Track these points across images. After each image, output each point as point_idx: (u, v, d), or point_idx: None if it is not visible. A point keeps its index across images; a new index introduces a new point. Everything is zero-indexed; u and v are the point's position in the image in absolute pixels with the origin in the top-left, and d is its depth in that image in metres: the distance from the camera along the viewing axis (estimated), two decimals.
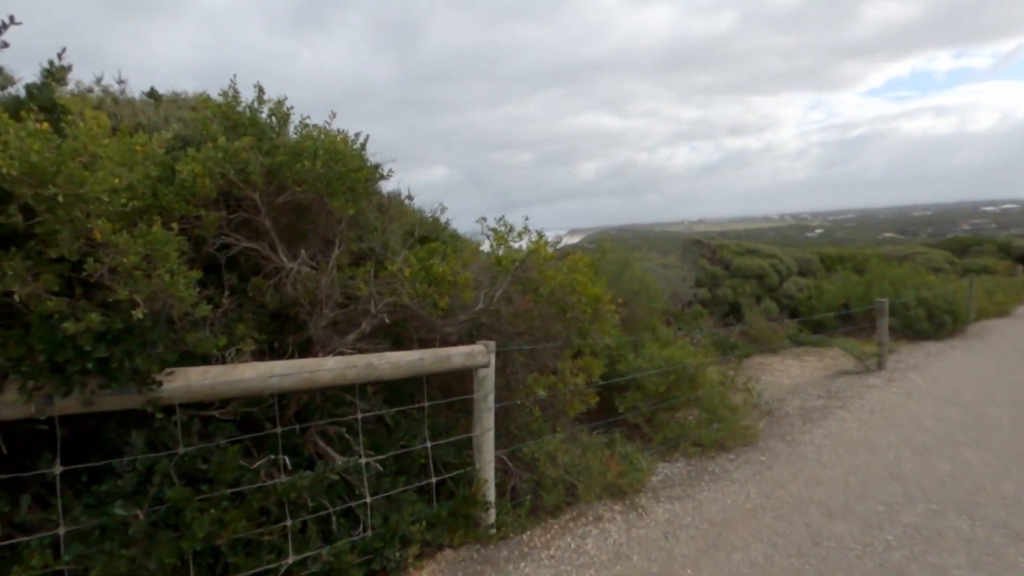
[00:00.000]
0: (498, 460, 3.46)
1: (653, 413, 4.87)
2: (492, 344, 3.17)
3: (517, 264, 3.28)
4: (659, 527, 3.38)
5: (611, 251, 5.97)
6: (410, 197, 5.54)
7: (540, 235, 3.64)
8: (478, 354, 3.10)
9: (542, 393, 3.31)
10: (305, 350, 2.85)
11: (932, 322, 10.12)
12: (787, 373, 8.51)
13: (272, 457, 2.43)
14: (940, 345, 9.65)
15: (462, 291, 3.04)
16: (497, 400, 3.45)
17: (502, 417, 3.65)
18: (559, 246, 4.20)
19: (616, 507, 3.57)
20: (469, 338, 3.40)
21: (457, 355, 3.03)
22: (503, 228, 4.00)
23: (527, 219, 3.91)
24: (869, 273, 11.39)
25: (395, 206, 3.76)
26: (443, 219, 4.91)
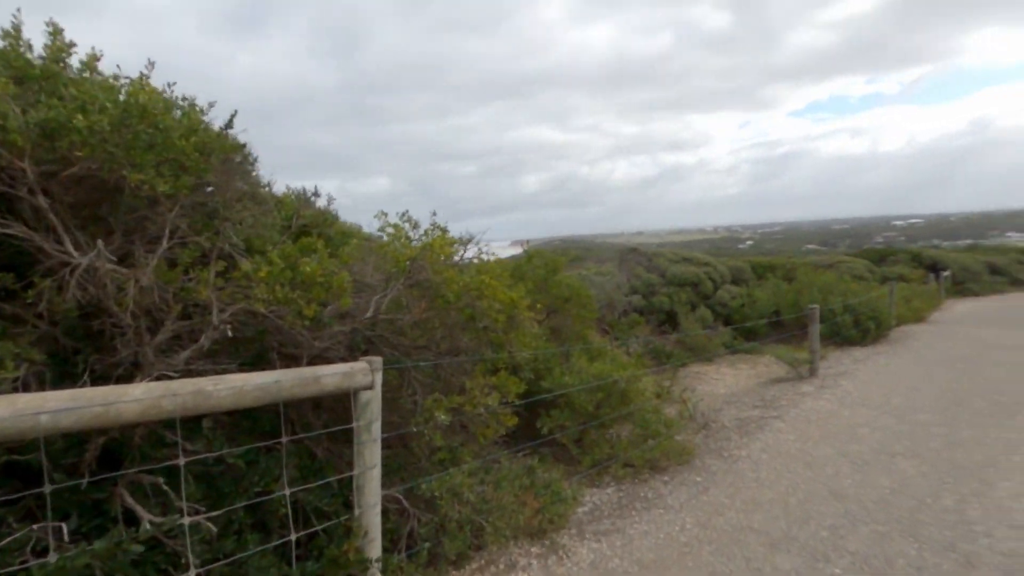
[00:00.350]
0: (393, 500, 2.88)
1: (582, 433, 4.41)
2: (378, 361, 2.59)
3: (411, 263, 2.72)
4: (583, 573, 2.88)
5: (537, 255, 5.53)
6: (316, 194, 4.90)
7: (443, 230, 3.11)
8: (358, 373, 2.51)
9: (443, 418, 2.76)
10: (127, 375, 2.18)
11: (858, 328, 10.30)
12: (722, 381, 8.33)
13: (41, 525, 1.76)
14: (866, 351, 9.79)
15: (338, 296, 2.46)
16: (393, 428, 2.87)
17: (401, 449, 3.07)
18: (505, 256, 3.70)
19: (534, 550, 3.05)
20: (360, 354, 2.82)
21: (329, 375, 2.43)
22: (407, 224, 3.45)
23: (434, 214, 3.39)
24: (798, 281, 11.56)
25: (271, 197, 3.13)
26: (335, 211, 4.31)
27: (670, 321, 10.93)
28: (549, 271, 5.42)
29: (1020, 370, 8.00)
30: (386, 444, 2.80)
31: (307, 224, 3.17)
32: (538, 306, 5.28)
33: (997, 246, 34.91)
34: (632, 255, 12.77)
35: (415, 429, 2.76)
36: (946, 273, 18.82)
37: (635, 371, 4.66)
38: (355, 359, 2.67)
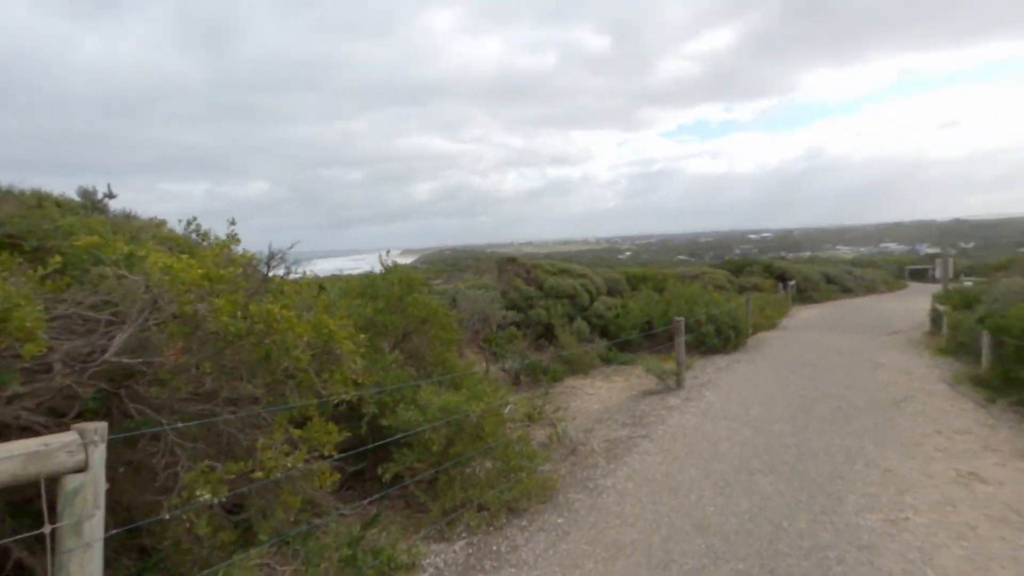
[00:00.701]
0: None
1: (433, 476, 3.83)
2: (98, 429, 1.84)
3: (153, 289, 1.99)
4: None
5: (392, 272, 4.89)
6: (110, 195, 3.88)
7: (231, 241, 2.40)
8: (59, 451, 1.74)
9: (207, 496, 2.04)
10: None
11: (720, 337, 10.79)
12: (597, 396, 8.19)
13: None
14: (727, 359, 10.25)
15: (22, 338, 1.67)
16: (147, 512, 2.10)
17: (166, 543, 2.29)
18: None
19: None
20: (82, 417, 2.02)
21: (7, 458, 1.65)
22: (197, 234, 2.68)
23: (232, 222, 2.65)
24: (668, 292, 11.95)
25: None
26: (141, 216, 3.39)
27: (548, 334, 10.74)
28: (405, 289, 4.81)
29: (855, 374, 8.71)
30: (135, 546, 2.04)
31: (14, 235, 2.29)
32: (389, 328, 4.64)
33: (829, 258, 39.86)
34: (511, 266, 12.51)
35: (167, 516, 2.01)
36: (792, 283, 20.84)
37: (493, 399, 4.18)
38: (65, 427, 1.89)
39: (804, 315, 17.66)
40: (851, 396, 7.32)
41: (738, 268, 21.60)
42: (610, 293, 13.47)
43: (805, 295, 21.33)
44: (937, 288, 26.09)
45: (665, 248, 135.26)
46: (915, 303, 20.42)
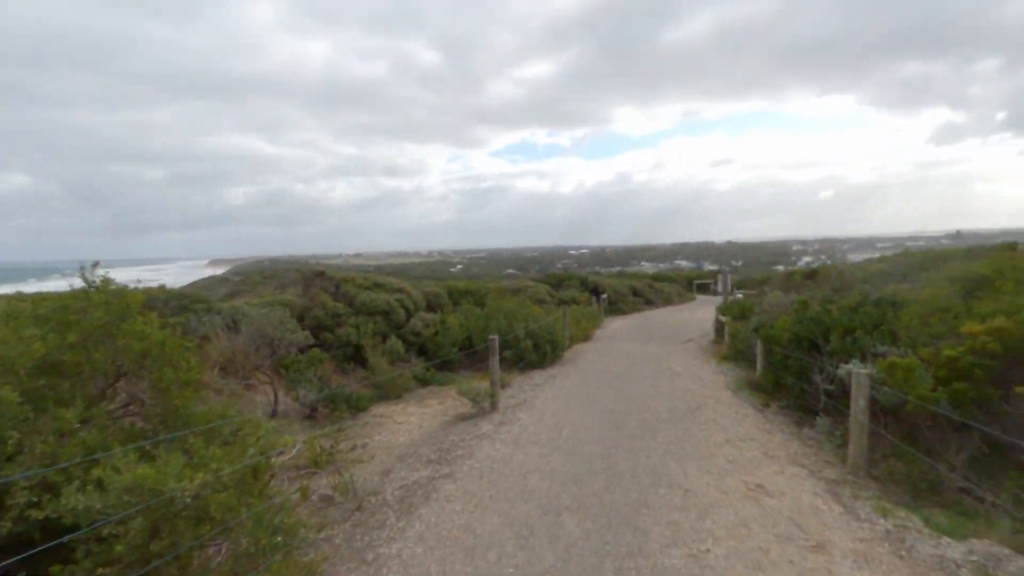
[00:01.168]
0: None
1: None
2: None
3: None
4: None
5: (96, 292, 3.52)
6: None
7: None
8: None
9: None
10: None
11: (538, 352, 10.68)
12: (407, 425, 7.34)
13: None
14: (545, 374, 10.15)
15: None
16: None
17: None
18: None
19: None
20: None
21: None
22: None
23: None
24: (488, 307, 11.61)
25: None
26: None
27: (358, 356, 9.62)
28: (116, 315, 3.48)
29: (657, 383, 9.11)
30: None
31: None
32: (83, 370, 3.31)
33: (635, 272, 44.18)
34: (318, 280, 11.12)
35: None
36: (604, 296, 22.29)
37: (237, 457, 3.11)
38: None
39: (615, 326, 18.84)
40: (655, 406, 7.49)
41: (558, 282, 22.49)
42: (431, 308, 12.76)
43: (616, 307, 22.97)
44: (719, 300, 30.31)
45: (494, 262, 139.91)
46: (702, 313, 23.21)
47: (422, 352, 11.13)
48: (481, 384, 7.94)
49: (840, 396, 5.83)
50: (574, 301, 19.93)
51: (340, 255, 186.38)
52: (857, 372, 4.94)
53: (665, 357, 12.10)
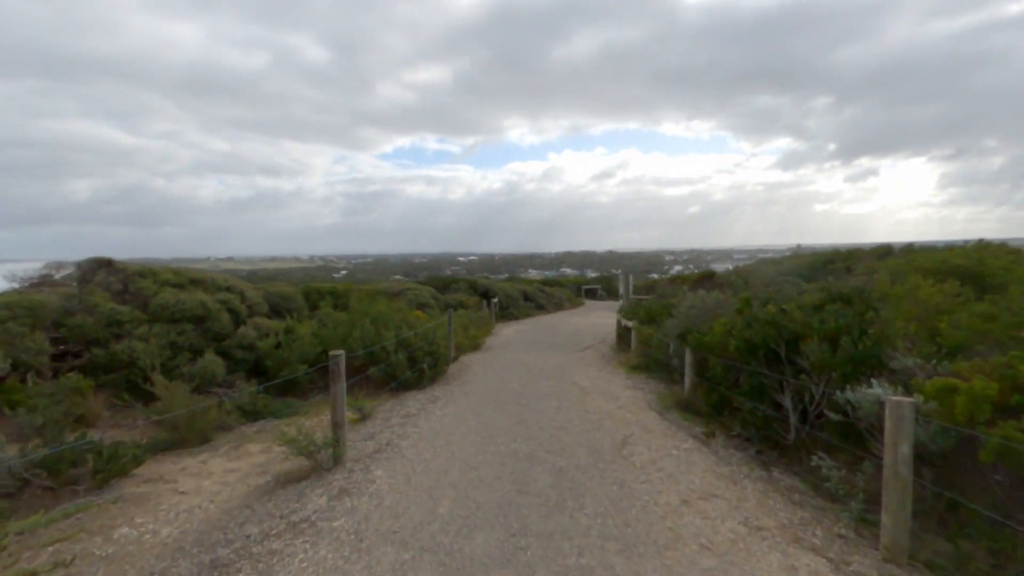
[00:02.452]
0: None
1: None
2: None
3: None
4: None
5: None
6: None
7: None
8: None
9: None
10: None
11: (415, 368, 8.21)
12: (192, 497, 4.54)
13: None
14: (423, 397, 7.69)
15: None
16: None
17: None
18: None
19: None
20: None
21: None
22: None
23: None
24: (350, 311, 8.90)
25: None
26: None
27: (147, 382, 6.52)
28: None
29: (565, 404, 7.05)
30: None
31: None
32: None
33: (524, 278, 43.09)
34: (102, 273, 7.75)
35: None
36: (495, 300, 20.25)
37: None
38: None
39: (507, 332, 16.81)
40: (568, 442, 5.39)
41: (444, 285, 20.06)
42: (277, 313, 9.76)
43: (507, 312, 21.04)
44: (616, 304, 29.68)
45: (381, 267, 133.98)
46: (595, 318, 22.04)
47: (260, 371, 8.18)
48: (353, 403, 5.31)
49: (834, 427, 4.07)
50: (462, 305, 17.65)
51: (209, 259, 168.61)
52: (896, 401, 3.13)
53: (567, 368, 10.19)
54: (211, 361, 7.06)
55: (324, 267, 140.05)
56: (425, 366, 8.16)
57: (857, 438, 3.87)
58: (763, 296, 7.51)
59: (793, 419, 4.56)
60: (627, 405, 7.18)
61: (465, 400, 7.42)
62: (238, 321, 8.16)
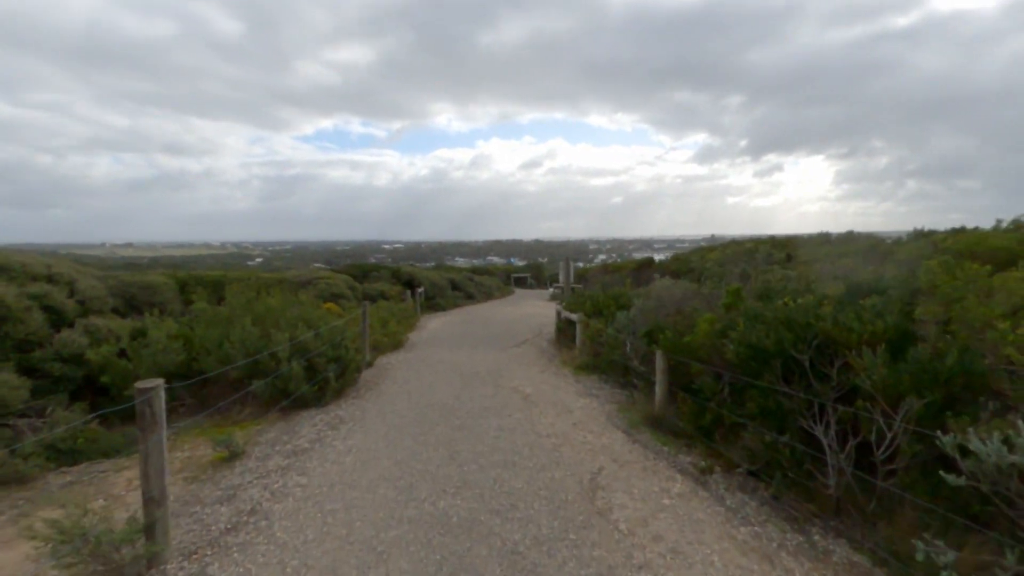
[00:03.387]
0: None
1: None
2: None
3: None
4: None
5: None
6: None
7: None
8: None
9: None
10: None
11: (315, 379, 6.30)
12: None
13: None
14: (322, 419, 5.83)
15: None
16: None
17: None
18: None
19: None
20: None
21: None
22: None
23: None
24: (227, 306, 6.79)
25: None
26: None
27: None
28: None
29: (508, 422, 5.48)
30: None
31: None
32: None
33: (452, 266, 41.20)
34: None
35: None
36: (421, 289, 18.35)
37: None
38: None
39: (433, 325, 14.99)
40: (520, 492, 3.81)
41: (364, 273, 17.86)
42: (136, 310, 7.45)
43: (433, 302, 19.19)
44: (546, 292, 28.35)
45: (301, 255, 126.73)
46: (528, 308, 20.67)
47: (99, 390, 5.94)
48: (224, 433, 3.40)
49: (923, 478, 2.75)
50: (383, 296, 15.63)
51: (104, 244, 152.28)
52: None
53: (505, 369, 8.63)
54: (8, 380, 4.81)
55: (238, 254, 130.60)
56: (330, 376, 6.28)
57: (962, 499, 2.55)
58: (759, 289, 6.26)
59: (838, 460, 3.22)
60: (585, 421, 5.71)
61: (379, 423, 5.64)
62: (61, 323, 5.87)
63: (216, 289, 9.15)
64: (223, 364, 6.04)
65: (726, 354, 4.33)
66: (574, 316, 9.72)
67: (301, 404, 6.24)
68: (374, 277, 17.47)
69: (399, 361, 9.35)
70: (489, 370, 8.59)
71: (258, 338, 6.17)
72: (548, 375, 8.29)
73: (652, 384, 5.92)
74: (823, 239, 13.26)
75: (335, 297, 13.67)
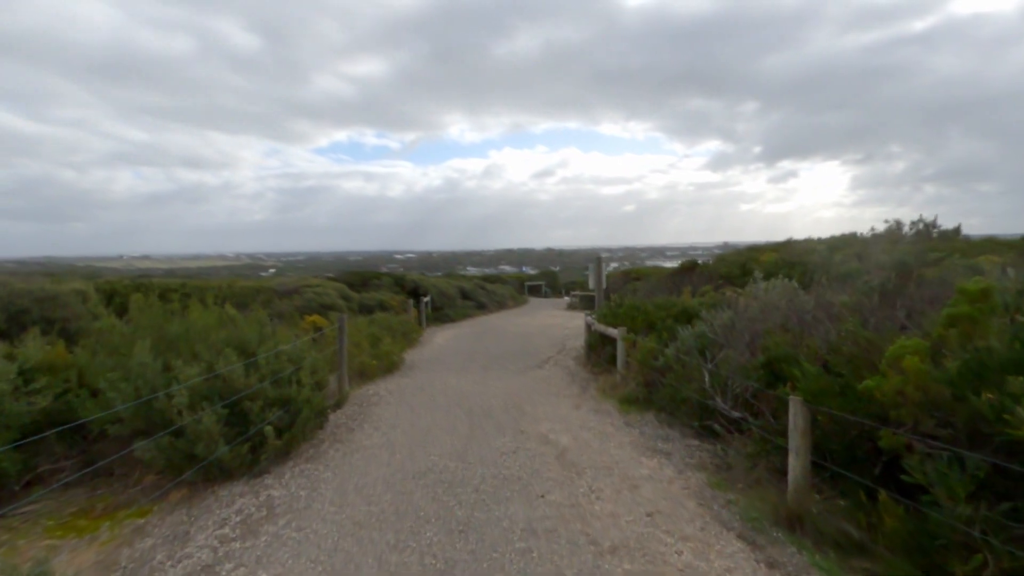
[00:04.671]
0: None
1: None
2: None
3: None
4: None
5: None
6: None
7: None
8: None
9: None
10: None
11: (244, 436, 4.09)
12: None
13: None
14: (238, 513, 3.60)
15: None
16: None
17: None
18: None
19: None
20: None
21: None
22: None
23: None
24: (134, 324, 4.61)
25: None
26: None
27: None
28: None
29: (549, 509, 3.25)
30: None
31: None
32: None
33: (463, 275, 39.16)
34: None
35: None
36: (427, 299, 16.18)
37: None
38: None
39: (439, 340, 12.78)
40: None
41: (362, 280, 15.72)
42: (21, 328, 5.34)
43: (441, 313, 17.00)
44: (561, 300, 25.74)
45: (314, 265, 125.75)
46: (545, 318, 18.38)
47: None
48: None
49: None
50: (382, 307, 13.47)
51: (122, 257, 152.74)
52: None
53: (527, 402, 6.39)
54: None
55: (252, 265, 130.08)
56: (268, 429, 4.06)
57: None
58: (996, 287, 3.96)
59: None
60: (668, 512, 3.44)
61: (331, 519, 3.40)
62: None
63: (176, 299, 7.01)
64: (104, 409, 3.88)
65: (975, 415, 2.06)
66: (612, 331, 7.44)
67: (224, 473, 4.04)
68: (374, 285, 15.33)
69: (390, 391, 7.12)
70: (506, 404, 6.36)
71: (159, 372, 4.00)
72: (586, 412, 6.03)
73: (768, 445, 3.64)
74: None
75: (324, 309, 11.53)
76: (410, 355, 10.27)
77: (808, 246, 11.61)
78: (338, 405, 5.50)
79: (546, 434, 5.24)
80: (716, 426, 4.76)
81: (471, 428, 5.41)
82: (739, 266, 10.65)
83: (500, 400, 6.60)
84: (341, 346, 6.32)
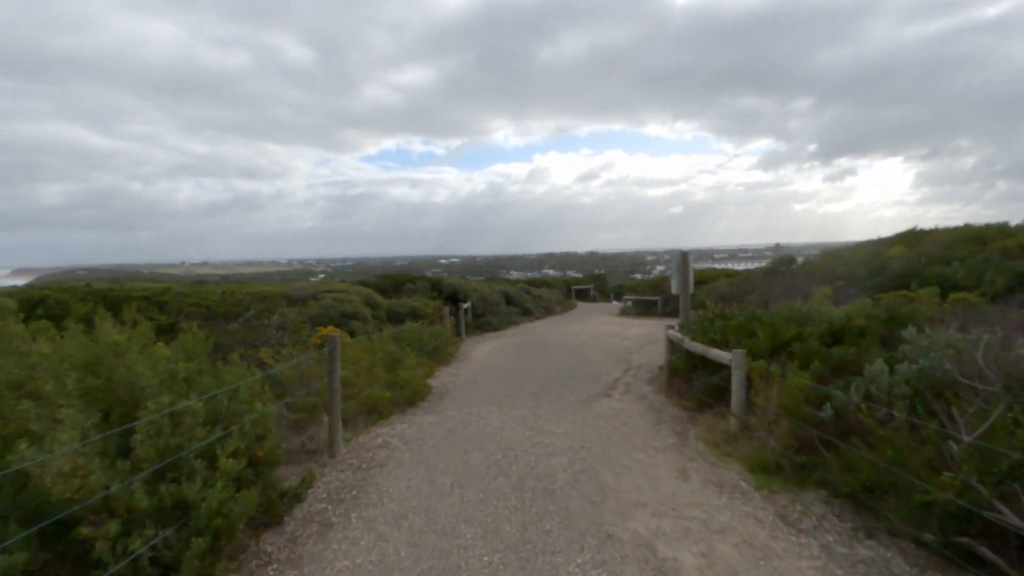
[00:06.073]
0: None
1: None
2: None
3: None
4: None
5: None
6: None
7: None
8: None
9: None
10: None
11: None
12: None
13: None
14: None
15: None
16: None
17: None
18: None
19: None
20: None
21: None
22: None
23: None
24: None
25: None
26: None
27: None
28: None
29: None
30: None
31: None
32: None
33: (506, 279, 37.18)
34: None
35: None
36: (467, 305, 14.14)
37: None
38: None
39: (479, 355, 10.66)
40: None
41: (395, 284, 13.82)
42: None
43: (483, 320, 14.93)
44: (611, 306, 23.02)
45: (361, 270, 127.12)
46: (598, 326, 16.01)
47: None
48: None
49: None
50: (415, 315, 11.48)
51: (183, 264, 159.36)
52: None
53: (605, 467, 4.13)
54: None
55: (303, 271, 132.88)
56: (143, 554, 2.01)
57: None
58: None
59: None
60: None
61: None
62: None
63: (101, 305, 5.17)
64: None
65: None
66: (721, 355, 5.07)
67: None
68: (407, 290, 13.38)
69: (406, 439, 5.01)
70: (574, 466, 4.15)
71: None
72: (701, 486, 3.74)
73: None
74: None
75: (345, 318, 9.61)
76: (441, 376, 8.19)
77: (953, 236, 8.81)
78: (306, 486, 3.40)
79: (652, 542, 3.00)
80: (985, 549, 2.44)
81: (523, 526, 3.23)
82: (863, 264, 8.02)
83: (564, 458, 4.38)
84: (332, 379, 4.25)
